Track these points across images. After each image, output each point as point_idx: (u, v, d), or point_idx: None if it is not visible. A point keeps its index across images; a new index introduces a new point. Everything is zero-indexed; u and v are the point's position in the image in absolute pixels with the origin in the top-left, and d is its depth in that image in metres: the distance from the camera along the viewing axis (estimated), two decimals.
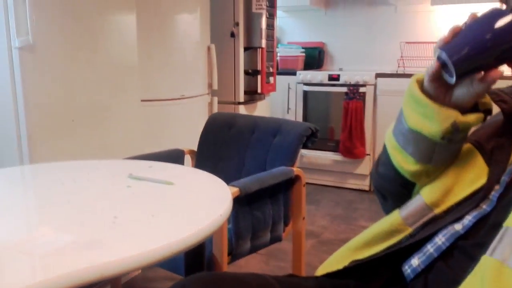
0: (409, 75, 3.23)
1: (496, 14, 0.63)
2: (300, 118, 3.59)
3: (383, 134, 3.27)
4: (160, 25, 2.23)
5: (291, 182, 1.69)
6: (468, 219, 0.72)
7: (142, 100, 2.12)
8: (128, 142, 2.01)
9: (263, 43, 2.79)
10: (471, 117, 0.73)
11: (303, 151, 3.60)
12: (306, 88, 3.54)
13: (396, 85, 3.23)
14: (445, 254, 0.73)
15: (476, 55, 0.65)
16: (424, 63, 3.58)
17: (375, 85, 3.29)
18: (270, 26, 2.90)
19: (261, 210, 1.58)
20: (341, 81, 3.39)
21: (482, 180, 0.73)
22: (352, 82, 3.34)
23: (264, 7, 2.73)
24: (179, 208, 0.97)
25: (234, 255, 1.48)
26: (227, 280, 0.72)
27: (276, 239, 1.65)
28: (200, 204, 1.00)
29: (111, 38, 1.89)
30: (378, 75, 3.30)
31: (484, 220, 0.71)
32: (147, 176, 1.16)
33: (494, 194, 0.72)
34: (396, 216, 0.79)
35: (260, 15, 2.73)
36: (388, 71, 3.43)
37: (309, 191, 3.50)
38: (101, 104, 1.87)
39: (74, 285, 0.67)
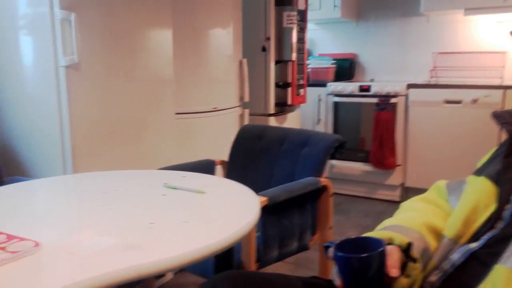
0: (441, 86, 3.21)
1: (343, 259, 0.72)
2: (330, 129, 3.62)
3: (414, 145, 3.26)
4: (194, 41, 2.33)
5: (319, 192, 1.73)
6: (483, 239, 0.75)
7: (177, 113, 2.22)
8: (163, 153, 2.11)
9: (294, 56, 2.86)
10: None
11: (333, 162, 3.62)
12: (337, 99, 3.56)
13: (428, 95, 3.21)
14: (462, 266, 0.76)
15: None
16: (457, 73, 3.54)
17: (406, 96, 3.29)
18: (301, 40, 2.96)
19: (289, 219, 1.63)
20: (372, 91, 3.40)
21: (494, 203, 0.77)
22: (383, 93, 3.35)
23: (295, 21, 2.80)
24: (210, 215, 1.04)
25: (262, 262, 1.54)
26: (253, 278, 0.78)
27: (303, 247, 1.69)
28: (230, 212, 1.06)
29: (149, 54, 2.01)
30: (410, 86, 3.29)
31: (497, 236, 0.74)
32: (181, 185, 1.23)
33: (506, 213, 0.75)
34: (430, 264, 0.82)
35: (291, 29, 2.80)
36: (420, 82, 3.41)
37: (339, 201, 3.51)
38: (138, 117, 1.98)
39: (113, 283, 0.75)
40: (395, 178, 3.40)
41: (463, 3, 3.19)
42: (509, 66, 3.36)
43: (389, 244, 0.78)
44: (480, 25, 3.44)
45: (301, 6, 2.91)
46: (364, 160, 3.49)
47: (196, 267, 1.52)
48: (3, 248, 0.81)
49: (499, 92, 2.97)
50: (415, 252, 0.78)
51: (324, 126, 3.65)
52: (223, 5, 2.46)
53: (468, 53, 3.51)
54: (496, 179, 0.79)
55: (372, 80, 3.86)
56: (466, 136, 3.06)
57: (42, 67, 1.72)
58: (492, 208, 0.77)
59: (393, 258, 0.74)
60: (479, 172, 0.85)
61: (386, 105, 3.32)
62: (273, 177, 1.92)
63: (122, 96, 1.90)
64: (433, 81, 3.49)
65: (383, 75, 3.93)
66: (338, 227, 2.89)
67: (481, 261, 0.73)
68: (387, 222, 0.90)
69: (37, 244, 0.83)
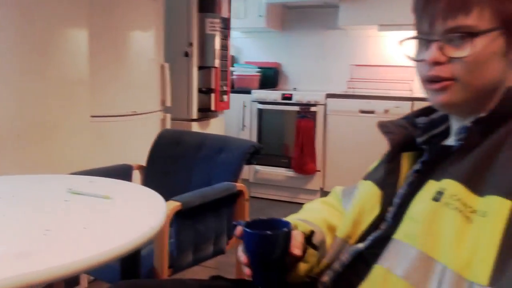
0: (357, 96, 3.42)
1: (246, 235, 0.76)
2: (254, 135, 3.70)
3: (333, 151, 3.43)
4: (114, 42, 2.27)
5: (235, 196, 1.76)
6: (369, 239, 0.82)
7: (92, 116, 2.14)
8: (78, 157, 2.03)
9: (217, 63, 2.89)
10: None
11: (257, 167, 3.70)
12: (261, 106, 3.65)
13: (345, 105, 3.40)
14: (352, 266, 0.82)
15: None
16: (371, 85, 3.78)
17: (325, 105, 3.45)
18: (224, 47, 3.00)
19: (204, 224, 1.64)
20: (294, 100, 3.53)
21: (379, 206, 0.84)
22: (304, 102, 3.49)
23: (218, 29, 2.84)
24: (112, 221, 1.02)
25: (175, 267, 1.53)
26: (145, 286, 0.78)
27: (219, 252, 1.71)
28: (134, 217, 1.05)
29: (63, 53, 1.92)
30: (329, 96, 3.46)
31: (380, 236, 0.81)
32: (87, 190, 1.20)
33: (388, 215, 0.82)
34: (322, 262, 0.88)
35: (214, 36, 2.83)
36: (338, 92, 3.60)
37: (262, 206, 3.59)
38: (51, 119, 1.89)
39: None
40: (315, 183, 3.54)
41: (377, 20, 3.43)
42: (417, 79, 3.65)
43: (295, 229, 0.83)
44: (392, 41, 3.72)
45: (224, 14, 2.95)
46: (287, 165, 3.61)
47: (104, 274, 1.48)
48: None
49: (408, 103, 3.22)
50: (316, 241, 0.84)
51: (249, 132, 3.72)
52: (144, 8, 2.43)
53: (382, 66, 3.77)
54: (380, 184, 0.86)
55: (295, 89, 4.01)
56: (379, 144, 3.27)
57: None
58: (377, 210, 0.84)
59: (297, 240, 0.78)
60: (367, 177, 0.92)
61: (306, 113, 3.46)
62: (191, 183, 1.92)
63: (33, 95, 1.80)
64: (350, 91, 3.70)
65: (305, 84, 4.09)
66: None
67: (365, 261, 0.80)
68: (293, 216, 0.94)
69: None
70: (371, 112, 3.33)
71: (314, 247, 0.83)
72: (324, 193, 3.57)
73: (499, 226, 0.62)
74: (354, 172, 3.40)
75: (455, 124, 0.81)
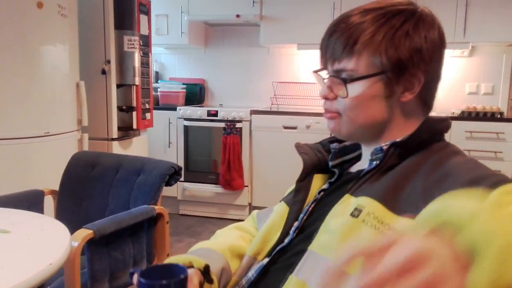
0: (280, 113, 3.51)
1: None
2: (181, 153, 3.65)
3: (259, 167, 3.48)
4: (23, 58, 2.14)
5: (154, 220, 1.72)
6: (272, 254, 0.85)
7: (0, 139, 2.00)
8: None
9: (137, 80, 2.82)
10: None
11: (185, 184, 3.65)
12: (187, 123, 3.62)
13: (269, 121, 3.48)
14: (258, 282, 0.84)
15: None
16: (294, 101, 3.91)
17: (250, 121, 3.50)
18: (145, 64, 2.95)
19: (120, 250, 1.58)
20: (219, 116, 3.55)
21: (285, 221, 0.87)
22: (230, 118, 3.51)
23: (137, 46, 2.78)
24: (9, 259, 0.95)
25: None
26: None
27: None
28: (33, 253, 0.99)
29: None
30: (253, 112, 3.52)
31: (285, 249, 0.84)
32: None
33: (292, 229, 0.85)
34: (232, 279, 0.90)
35: (133, 53, 2.77)
36: (263, 108, 3.68)
37: (191, 223, 3.54)
38: None
39: None
40: (243, 198, 3.57)
41: (296, 39, 3.57)
42: (324, 116, 3.84)
43: (191, 267, 0.84)
44: (312, 59, 3.88)
45: (144, 31, 2.91)
46: (215, 182, 3.60)
47: None
48: None
49: None
50: (213, 272, 0.85)
51: (175, 149, 3.66)
52: (55, 22, 2.32)
53: (302, 84, 3.92)
54: (289, 202, 0.90)
55: (221, 105, 4.03)
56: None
57: None
58: (282, 227, 0.87)
59: (193, 283, 0.78)
60: (282, 198, 0.96)
61: (232, 129, 3.49)
62: (108, 206, 1.85)
63: None
64: (274, 108, 3.80)
65: (231, 100, 4.13)
66: (187, 249, 2.90)
67: (275, 276, 0.81)
68: (198, 245, 0.96)
69: None
70: (294, 127, 3.44)
71: (209, 280, 0.84)
72: (253, 208, 3.60)
73: None
74: (280, 186, 3.48)
75: (367, 150, 0.86)
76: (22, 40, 2.13)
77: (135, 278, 0.76)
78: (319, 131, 3.33)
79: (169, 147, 3.67)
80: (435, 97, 0.85)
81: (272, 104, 3.89)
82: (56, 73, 2.31)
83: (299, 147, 0.95)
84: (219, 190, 3.58)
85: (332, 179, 0.89)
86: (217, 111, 3.56)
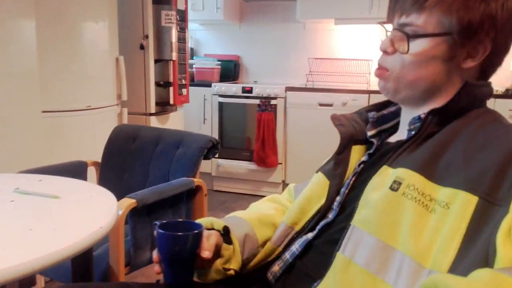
0: (316, 89, 3.46)
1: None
2: (216, 129, 3.68)
3: (293, 144, 3.46)
4: (64, 34, 2.19)
5: (193, 192, 1.75)
6: (317, 228, 0.84)
7: (44, 111, 2.06)
8: (27, 156, 1.95)
9: (174, 55, 2.84)
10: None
11: (219, 161, 3.69)
12: (221, 99, 3.63)
13: (304, 98, 3.44)
14: (303, 256, 0.84)
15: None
16: (330, 78, 3.84)
17: (285, 98, 3.48)
18: (182, 39, 2.95)
19: (161, 220, 1.62)
20: (254, 93, 3.53)
21: (326, 195, 0.87)
22: (264, 95, 3.50)
23: (174, 21, 2.79)
24: (61, 222, 0.99)
25: (133, 265, 1.51)
26: None
27: None
28: (83, 217, 1.02)
29: (8, 46, 1.83)
30: (288, 89, 3.48)
31: (330, 225, 0.83)
32: (34, 190, 1.15)
33: (335, 204, 0.84)
34: (267, 245, 0.92)
35: (170, 28, 2.78)
36: (298, 85, 3.64)
37: (225, 199, 3.59)
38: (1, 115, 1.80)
39: None
40: (277, 175, 3.57)
41: (333, 14, 3.48)
42: (373, 73, 3.74)
43: (211, 229, 0.87)
44: (349, 34, 3.78)
45: (180, 6, 2.90)
46: (249, 159, 3.61)
47: (57, 275, 1.44)
48: None
49: (365, 96, 3.29)
50: (234, 236, 0.87)
51: (210, 126, 3.69)
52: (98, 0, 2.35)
53: (339, 60, 3.83)
54: (329, 174, 0.89)
55: (255, 82, 4.01)
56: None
57: None
58: (323, 199, 0.86)
59: (209, 243, 0.82)
60: (319, 169, 0.95)
61: (267, 106, 3.47)
62: (148, 178, 1.89)
63: None
64: (309, 84, 3.74)
65: (265, 77, 4.11)
66: None
67: (319, 251, 0.81)
68: (229, 214, 0.99)
69: None
70: (330, 105, 3.39)
71: (228, 241, 0.87)
72: (286, 186, 3.60)
73: (464, 220, 0.63)
74: (314, 164, 3.44)
75: (407, 118, 0.83)
76: (63, 15, 2.17)
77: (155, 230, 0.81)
78: (356, 108, 3.23)
79: (204, 123, 3.71)
80: (496, 70, 0.81)
81: (307, 81, 3.84)
82: (96, 48, 2.36)
83: (335, 118, 0.92)
84: (253, 167, 3.60)
85: (371, 150, 0.87)
86: (251, 88, 3.55)
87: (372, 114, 0.90)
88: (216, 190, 3.80)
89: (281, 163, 3.54)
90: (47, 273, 1.54)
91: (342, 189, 0.85)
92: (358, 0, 3.38)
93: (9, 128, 1.86)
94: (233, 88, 3.60)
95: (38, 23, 1.97)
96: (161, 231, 0.78)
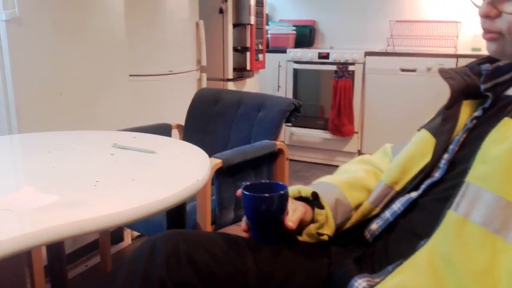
0: (397, 54, 3.27)
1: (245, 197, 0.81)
2: (290, 96, 3.63)
3: (371, 113, 3.33)
4: (147, 1, 2.23)
5: (274, 155, 1.74)
6: (422, 188, 0.79)
7: (131, 75, 2.14)
8: (116, 116, 2.05)
9: (252, 20, 2.80)
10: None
11: (292, 129, 3.65)
12: (296, 66, 3.56)
13: (385, 63, 3.26)
14: (406, 214, 0.79)
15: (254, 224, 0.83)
16: (413, 41, 3.61)
17: (364, 64, 3.33)
18: (259, 3, 2.90)
19: (244, 181, 1.63)
20: (331, 59, 3.42)
21: (431, 153, 0.81)
22: (342, 61, 3.37)
23: None
24: (159, 174, 1.02)
25: (217, 224, 1.54)
26: (194, 235, 0.78)
27: None
28: (180, 171, 1.05)
29: (98, 12, 1.91)
30: (367, 54, 3.32)
31: (437, 184, 0.77)
32: (131, 145, 1.20)
33: (443, 162, 0.78)
34: (365, 204, 0.89)
35: None
36: (378, 50, 3.46)
37: (298, 168, 3.57)
38: (89, 78, 1.90)
39: (55, 240, 0.73)
40: (352, 145, 3.48)
41: None
42: (462, 35, 3.46)
43: (300, 198, 0.86)
44: None
45: None
46: (323, 127, 3.54)
47: (149, 230, 1.51)
48: None
49: (453, 61, 3.06)
50: (324, 201, 0.85)
51: (284, 93, 3.65)
52: None
53: (424, 22, 3.57)
54: (435, 131, 0.82)
55: (331, 48, 3.87)
56: (420, 104, 3.15)
57: None
58: (428, 157, 0.81)
59: (295, 214, 0.81)
60: (422, 127, 0.88)
61: (344, 72, 3.35)
62: (230, 141, 1.91)
63: (70, 55, 1.80)
64: (390, 49, 3.54)
65: (342, 42, 3.95)
66: None
67: (426, 209, 0.76)
68: (317, 180, 0.97)
69: None
70: (413, 70, 3.19)
71: (319, 206, 0.85)
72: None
73: None
74: (393, 133, 3.33)
75: None
76: None
77: (239, 191, 0.82)
78: None
79: (278, 90, 3.67)
80: None
81: (388, 45, 3.63)
82: (177, 14, 2.38)
83: (443, 71, 0.85)
84: (327, 136, 3.53)
85: (486, 105, 0.79)
86: (328, 53, 3.43)
87: (486, 66, 0.82)
88: (289, 159, 3.78)
89: (357, 132, 3.43)
90: (137, 227, 1.63)
91: (451, 146, 0.79)
92: None
93: (100, 91, 1.95)
94: (309, 54, 3.50)
95: None
96: (246, 192, 0.79)
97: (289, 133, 3.69)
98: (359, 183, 0.92)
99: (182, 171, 1.04)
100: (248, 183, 0.83)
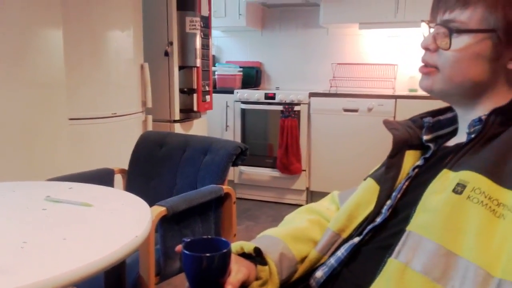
0: (340, 95, 3.40)
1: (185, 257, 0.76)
2: (238, 136, 3.64)
3: (318, 151, 3.40)
4: (89, 42, 2.19)
5: (221, 199, 1.71)
6: (364, 233, 0.79)
7: (71, 119, 2.06)
8: (56, 162, 1.95)
9: (198, 62, 2.83)
10: None
11: (242, 168, 3.65)
12: (244, 106, 3.60)
13: (329, 104, 3.38)
14: (349, 262, 0.79)
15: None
16: (355, 83, 3.78)
17: (309, 104, 3.42)
18: (205, 46, 2.94)
19: (190, 228, 1.58)
20: (277, 99, 3.49)
21: (375, 199, 0.82)
22: (287, 101, 3.45)
23: (198, 27, 2.78)
24: (95, 231, 0.96)
25: (162, 275, 1.47)
26: None
27: None
28: (118, 226, 0.99)
29: (36, 54, 1.84)
30: (312, 94, 3.43)
31: (380, 231, 0.78)
32: (66, 198, 1.13)
33: (385, 208, 0.80)
34: (312, 252, 0.87)
35: (194, 35, 2.77)
36: (321, 90, 3.58)
37: (248, 207, 3.54)
38: (26, 122, 1.80)
39: None
40: (301, 182, 3.51)
41: (358, 18, 3.42)
42: (399, 77, 3.67)
43: (242, 254, 0.83)
44: (374, 39, 3.72)
45: (204, 12, 2.89)
46: (272, 166, 3.57)
47: (86, 285, 1.41)
48: None
49: (392, 101, 3.22)
50: (269, 256, 0.83)
51: (232, 132, 3.66)
52: (121, 6, 2.35)
53: (364, 65, 3.77)
54: (379, 179, 0.84)
55: (277, 88, 3.97)
56: (363, 142, 3.27)
57: None
58: (373, 205, 0.82)
59: (236, 276, 0.77)
60: (368, 176, 0.90)
61: (290, 112, 3.42)
62: (175, 185, 1.86)
63: (8, 98, 1.71)
64: (333, 90, 3.68)
65: (288, 83, 4.06)
66: (246, 232, 2.91)
67: (368, 256, 0.76)
68: (261, 234, 0.94)
69: None
70: (355, 110, 3.32)
71: (263, 262, 0.83)
72: (310, 193, 3.54)
73: None
74: (339, 170, 3.41)
75: (464, 121, 0.80)
76: (89, 24, 2.18)
77: (178, 248, 0.77)
78: (381, 114, 3.19)
79: (226, 130, 3.68)
80: None
81: (331, 86, 3.78)
82: (121, 56, 2.36)
83: (388, 123, 0.89)
84: (276, 174, 3.55)
85: (427, 154, 0.83)
86: (274, 94, 3.51)
87: (427, 119, 0.87)
88: (239, 198, 3.76)
89: (304, 170, 3.48)
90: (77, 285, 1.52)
91: (394, 193, 0.81)
92: (383, 4, 3.32)
93: (37, 136, 1.86)
94: (256, 94, 3.57)
95: (65, 32, 1.98)
96: (186, 251, 0.74)
97: (238, 172, 3.68)
98: (303, 235, 0.91)
99: (120, 226, 0.98)
100: (188, 239, 0.79)
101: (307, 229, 0.92)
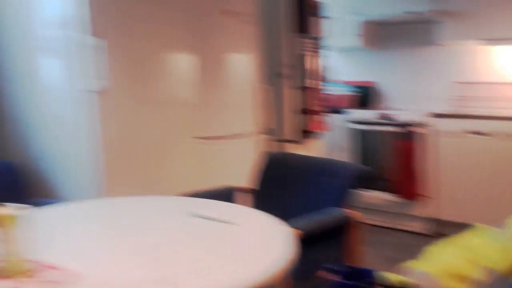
0: (467, 116, 3.14)
1: None
2: (355, 158, 3.55)
3: (441, 175, 3.14)
4: (215, 67, 2.34)
5: (347, 224, 1.67)
6: None
7: (195, 137, 2.20)
8: (182, 179, 2.09)
9: (313, 83, 2.84)
10: None
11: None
12: (358, 126, 3.52)
13: (451, 125, 3.15)
14: None
15: None
16: (483, 103, 3.47)
17: (428, 125, 3.22)
18: (319, 67, 2.95)
19: (322, 252, 1.56)
20: (393, 120, 3.35)
21: None
22: (403, 121, 3.29)
23: (311, 48, 2.80)
24: (244, 249, 0.99)
25: None
26: None
27: None
28: (265, 246, 1.02)
29: (171, 77, 2.01)
30: (432, 115, 3.23)
31: None
32: (210, 215, 1.19)
33: None
34: None
35: (308, 56, 2.79)
36: (440, 111, 3.34)
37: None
38: (166, 140, 1.97)
39: None
40: (421, 209, 3.29)
41: (480, 35, 3.16)
42: None
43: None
44: (498, 55, 3.39)
45: (317, 33, 2.91)
46: (386, 189, 3.40)
47: None
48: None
49: None
50: None
51: (347, 154, 3.58)
52: (242, 32, 2.47)
53: (494, 84, 3.44)
54: None
55: (393, 109, 3.81)
56: (494, 168, 2.96)
57: (70, 91, 1.73)
58: None
59: None
60: None
61: (407, 133, 3.26)
62: (296, 207, 1.86)
63: (149, 119, 1.90)
64: (454, 110, 3.42)
65: (403, 103, 3.87)
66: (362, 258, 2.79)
67: None
68: (413, 265, 0.90)
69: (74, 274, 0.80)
70: (481, 133, 3.04)
71: None
72: (434, 221, 3.27)
73: None
74: (467, 196, 3.11)
75: None
76: (214, 50, 2.32)
77: (329, 276, 0.77)
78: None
79: (342, 151, 3.61)
80: None
81: (452, 106, 3.52)
82: (241, 79, 2.47)
83: None
84: (394, 199, 3.38)
85: None
86: (389, 114, 3.37)
87: None
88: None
89: (426, 195, 3.25)
90: None
91: None
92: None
93: (171, 151, 2.01)
94: (370, 114, 3.46)
95: (196, 58, 2.14)
96: (347, 282, 0.72)
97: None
98: (457, 272, 0.85)
99: (267, 246, 1.01)
100: (338, 269, 0.77)
101: (460, 266, 0.86)
